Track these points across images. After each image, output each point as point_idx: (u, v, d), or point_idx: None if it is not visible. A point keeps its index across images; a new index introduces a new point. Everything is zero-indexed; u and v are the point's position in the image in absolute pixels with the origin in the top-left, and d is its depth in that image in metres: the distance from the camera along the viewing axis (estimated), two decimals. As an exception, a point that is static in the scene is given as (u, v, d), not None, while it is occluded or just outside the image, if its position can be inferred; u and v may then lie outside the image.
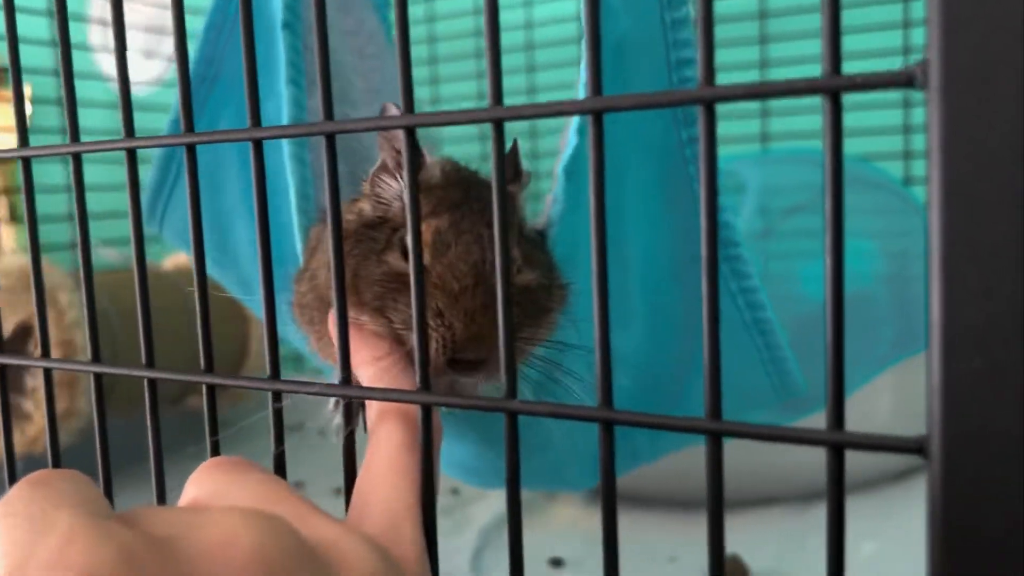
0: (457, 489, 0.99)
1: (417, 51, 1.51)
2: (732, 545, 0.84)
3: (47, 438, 0.46)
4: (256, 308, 0.73)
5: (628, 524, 0.93)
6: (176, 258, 1.27)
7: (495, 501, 0.95)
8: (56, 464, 0.46)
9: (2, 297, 0.94)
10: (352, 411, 0.38)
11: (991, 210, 0.22)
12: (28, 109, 1.35)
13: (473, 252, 0.45)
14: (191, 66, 0.69)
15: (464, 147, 1.36)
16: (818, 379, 0.71)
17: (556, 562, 0.80)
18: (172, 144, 0.39)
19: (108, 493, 0.42)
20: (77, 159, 0.42)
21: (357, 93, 0.68)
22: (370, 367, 0.41)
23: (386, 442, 0.37)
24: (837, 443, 0.28)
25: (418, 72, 1.29)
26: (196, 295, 0.39)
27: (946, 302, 0.23)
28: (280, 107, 0.58)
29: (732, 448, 0.75)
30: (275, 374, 0.38)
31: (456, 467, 0.66)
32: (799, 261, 0.98)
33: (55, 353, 0.94)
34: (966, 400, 0.23)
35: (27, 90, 1.36)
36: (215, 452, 0.39)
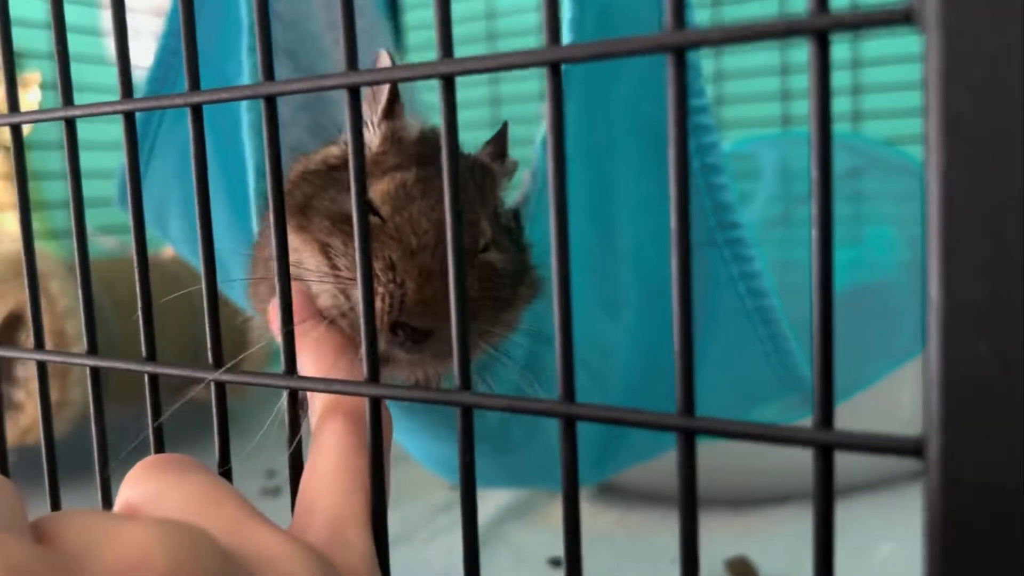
0: (455, 485, 0.95)
1: None
2: (741, 546, 0.81)
3: (41, 431, 0.43)
4: (232, 294, 0.70)
5: (631, 522, 0.89)
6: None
7: (493, 497, 0.92)
8: (50, 456, 0.43)
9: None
10: (296, 403, 0.35)
11: (996, 164, 0.18)
12: (38, 95, 1.32)
13: (438, 210, 0.42)
14: (162, 39, 0.66)
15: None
16: (836, 372, 0.67)
17: (556, 562, 0.76)
18: (175, 105, 0.35)
19: (105, 489, 0.40)
20: (71, 125, 0.38)
21: (333, 67, 0.65)
22: (313, 357, 0.38)
23: (331, 441, 0.33)
24: (825, 443, 0.24)
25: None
26: (204, 286, 0.35)
27: (945, 275, 0.19)
28: (242, 77, 0.55)
29: (739, 444, 0.71)
30: (291, 369, 0.34)
31: (440, 465, 0.63)
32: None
33: (47, 343, 0.91)
34: (969, 393, 0.19)
35: (37, 76, 1.35)
36: (224, 454, 0.36)
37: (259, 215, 0.55)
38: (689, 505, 0.27)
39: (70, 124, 0.38)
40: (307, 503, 0.32)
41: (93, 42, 1.47)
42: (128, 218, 0.73)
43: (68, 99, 0.38)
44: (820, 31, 0.23)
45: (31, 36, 1.20)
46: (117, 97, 0.36)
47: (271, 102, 0.33)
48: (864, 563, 0.72)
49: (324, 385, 0.33)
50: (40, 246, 1.21)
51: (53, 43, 0.39)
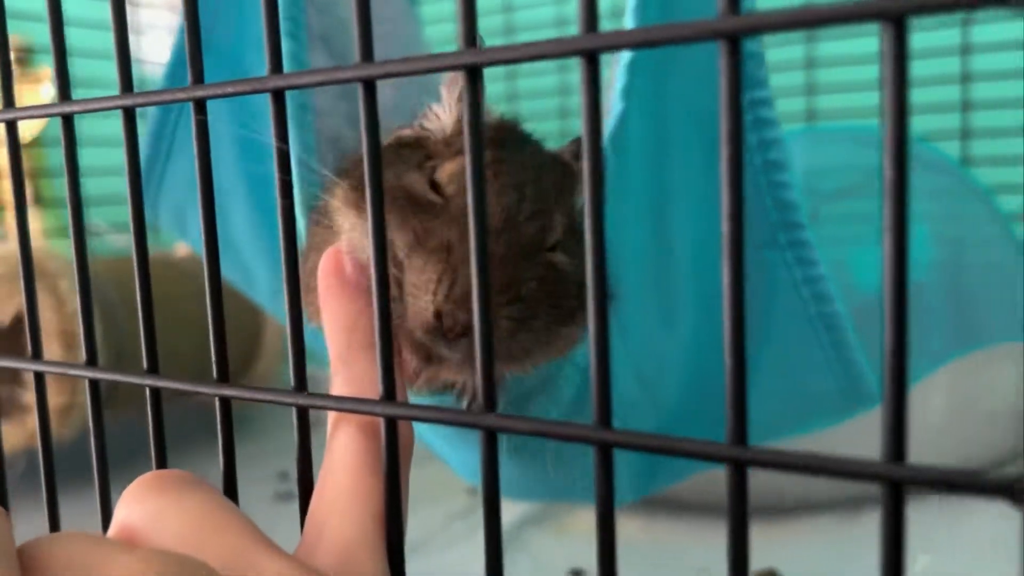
0: (475, 489, 0.93)
1: None
2: (770, 558, 0.78)
3: (39, 443, 0.41)
4: (259, 298, 0.68)
5: (656, 530, 0.86)
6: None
7: (513, 504, 0.89)
8: (49, 467, 0.41)
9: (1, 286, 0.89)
10: (306, 421, 0.32)
11: None
12: (50, 90, 1.30)
13: (509, 195, 0.39)
14: (179, 33, 0.64)
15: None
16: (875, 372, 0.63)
17: (577, 573, 0.73)
18: (177, 100, 0.33)
19: (105, 505, 0.37)
20: (68, 121, 0.36)
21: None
22: (342, 335, 0.35)
23: (344, 458, 0.31)
24: (897, 479, 0.21)
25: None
26: (208, 294, 0.33)
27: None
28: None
29: (795, 443, 0.68)
30: (300, 386, 0.31)
31: (474, 474, 0.60)
32: (849, 248, 0.91)
33: (55, 344, 0.89)
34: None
35: (48, 71, 1.33)
36: (229, 470, 0.34)
37: (305, 209, 0.52)
38: (740, 542, 0.24)
39: (67, 120, 0.36)
40: (316, 525, 0.30)
41: (108, 37, 1.45)
42: (151, 218, 0.71)
43: (65, 95, 0.36)
44: (897, 15, 0.20)
45: (43, 31, 1.18)
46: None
47: (279, 96, 0.30)
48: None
49: (336, 403, 0.30)
50: (51, 245, 1.19)
51: (50, 37, 0.36)
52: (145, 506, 0.29)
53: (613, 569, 0.26)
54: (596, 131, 0.24)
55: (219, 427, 0.33)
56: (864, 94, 1.14)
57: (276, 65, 0.30)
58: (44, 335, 0.92)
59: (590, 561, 0.77)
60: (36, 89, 1.34)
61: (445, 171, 0.40)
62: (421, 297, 0.36)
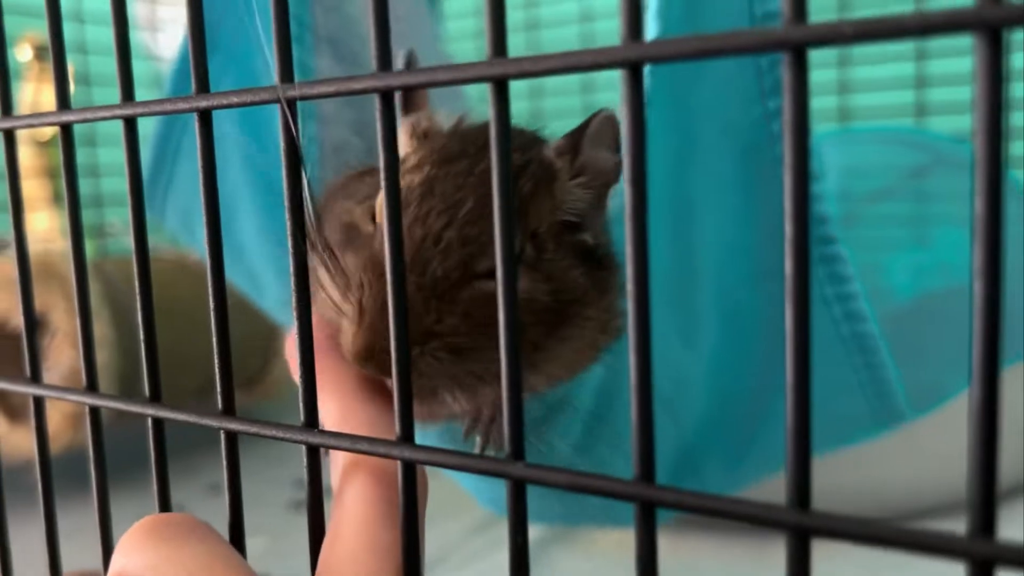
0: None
1: None
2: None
3: (37, 464, 0.39)
4: (267, 307, 0.66)
5: (682, 549, 0.84)
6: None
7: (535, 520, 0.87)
8: (46, 484, 0.39)
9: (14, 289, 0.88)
10: (317, 460, 0.30)
11: None
12: (70, 88, 1.30)
13: (430, 223, 0.35)
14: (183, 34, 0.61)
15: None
16: (910, 382, 0.60)
17: (603, 591, 0.71)
18: (179, 110, 0.31)
19: (105, 532, 0.36)
20: (67, 130, 0.34)
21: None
22: (334, 399, 0.33)
23: (356, 509, 0.28)
24: (985, 558, 0.19)
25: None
26: (212, 316, 0.31)
27: None
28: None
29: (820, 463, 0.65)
30: (311, 423, 0.29)
31: (486, 498, 0.58)
32: (886, 251, 0.88)
33: (68, 347, 0.87)
34: None
35: (69, 69, 1.32)
36: (235, 505, 0.31)
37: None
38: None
39: (66, 129, 0.34)
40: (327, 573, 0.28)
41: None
42: (159, 220, 0.69)
43: (64, 103, 0.34)
44: (994, 25, 0.17)
45: (64, 28, 1.16)
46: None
47: (290, 106, 0.28)
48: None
49: (349, 443, 0.28)
50: (64, 247, 1.18)
51: (50, 47, 0.34)
52: (143, 557, 0.27)
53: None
54: (640, 149, 0.22)
55: (224, 460, 0.31)
56: (899, 92, 1.10)
57: (287, 74, 0.27)
58: (58, 337, 0.90)
59: (616, 577, 0.75)
60: (56, 88, 1.33)
61: (379, 200, 0.36)
62: (347, 332, 0.34)
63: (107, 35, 0.33)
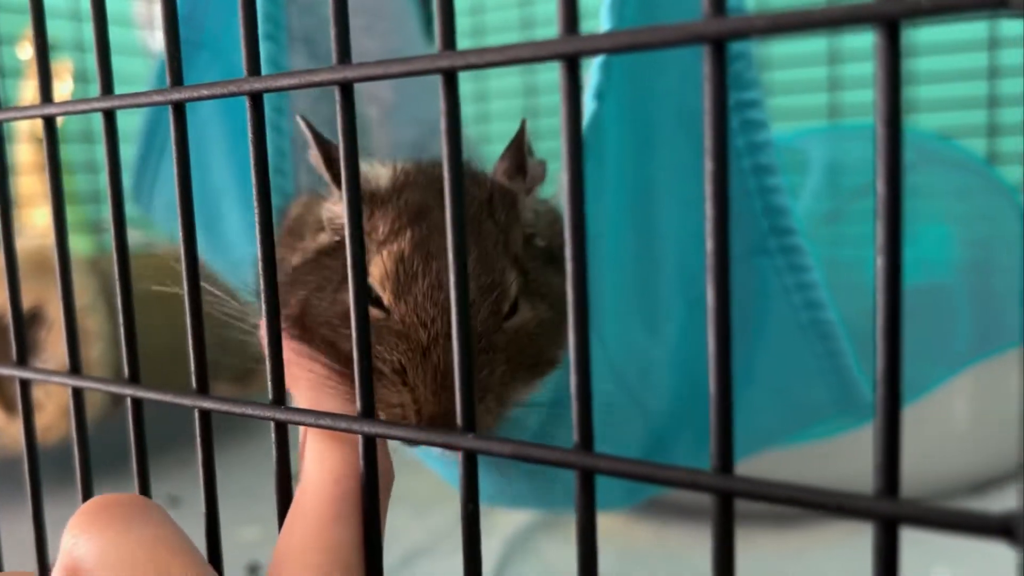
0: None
1: None
2: (784, 565, 0.76)
3: (25, 450, 0.40)
4: (251, 299, 0.67)
5: (668, 538, 0.85)
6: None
7: (523, 510, 0.88)
8: (34, 471, 0.40)
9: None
10: (284, 436, 0.31)
11: None
12: (70, 85, 1.29)
13: (448, 283, 0.36)
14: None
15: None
16: None
17: (587, 579, 0.72)
18: (154, 103, 0.32)
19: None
20: (50, 123, 0.35)
21: (368, 56, 0.61)
22: (308, 391, 0.34)
23: (314, 501, 0.29)
24: (890, 517, 0.20)
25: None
26: (186, 300, 0.32)
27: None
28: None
29: (789, 454, 0.66)
30: (278, 400, 0.30)
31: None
32: (870, 247, 0.88)
33: (62, 340, 0.89)
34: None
35: (68, 65, 1.33)
36: (209, 484, 0.32)
37: (278, 218, 0.51)
38: (726, 572, 0.23)
39: (48, 122, 0.35)
40: (280, 560, 0.29)
41: (125, 33, 1.46)
42: (145, 213, 0.71)
43: (47, 96, 0.35)
44: (890, 18, 0.19)
45: (64, 26, 1.18)
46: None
47: (256, 100, 0.29)
48: (916, 588, 0.68)
49: (314, 419, 0.29)
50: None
51: (32, 34, 0.35)
52: (89, 541, 0.28)
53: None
54: (576, 139, 0.23)
55: (198, 439, 0.32)
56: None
57: (254, 67, 0.29)
58: (53, 331, 0.92)
59: (602, 567, 0.76)
60: (56, 85, 1.34)
61: (375, 275, 0.37)
62: (409, 411, 0.35)
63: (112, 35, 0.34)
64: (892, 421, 0.20)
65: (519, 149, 0.41)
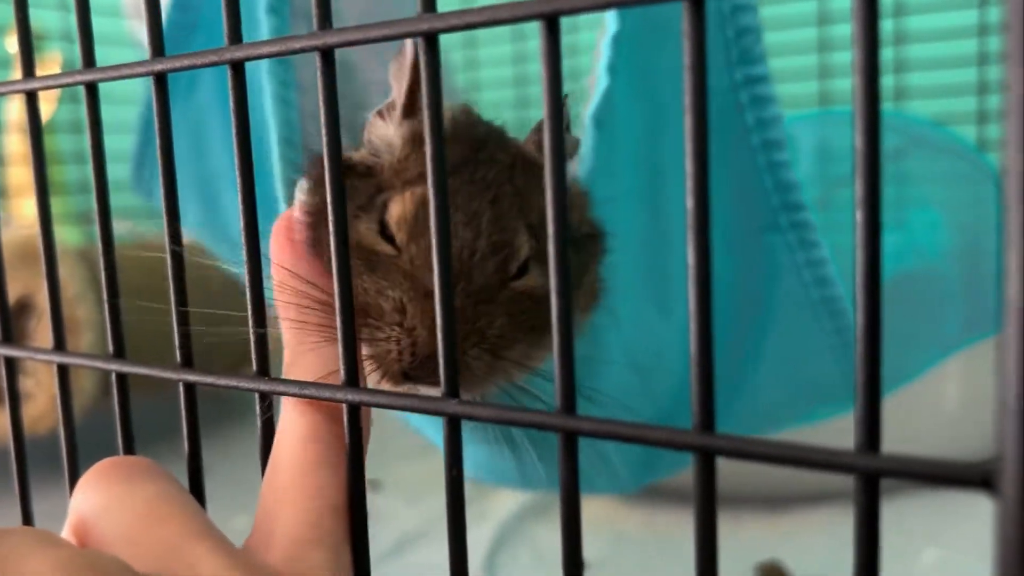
0: (475, 481, 0.92)
1: None
2: (776, 549, 0.76)
3: (10, 431, 0.40)
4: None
5: (658, 523, 0.85)
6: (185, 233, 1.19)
7: (515, 495, 0.88)
8: (20, 457, 0.40)
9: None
10: (269, 406, 0.31)
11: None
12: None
13: (461, 235, 0.36)
14: (169, 7, 0.62)
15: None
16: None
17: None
18: (136, 74, 0.32)
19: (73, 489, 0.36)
20: (32, 97, 0.35)
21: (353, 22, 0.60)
22: (292, 320, 0.33)
23: (292, 446, 0.29)
24: (871, 470, 0.20)
25: None
26: (170, 275, 0.32)
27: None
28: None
29: (802, 434, 0.66)
30: (262, 371, 0.30)
31: (470, 467, 0.59)
32: (860, 234, 0.89)
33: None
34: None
35: (57, 56, 1.33)
36: (194, 456, 0.33)
37: (285, 186, 0.50)
38: (707, 532, 0.23)
39: (31, 97, 0.35)
40: (268, 517, 0.29)
41: (115, 23, 1.45)
42: (147, 201, 0.70)
43: (29, 71, 0.35)
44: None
45: (55, 16, 1.18)
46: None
47: (238, 68, 0.29)
48: (908, 569, 0.68)
49: (297, 388, 0.29)
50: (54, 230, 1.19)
51: (14, 15, 0.35)
52: (95, 498, 0.28)
53: (578, 555, 0.25)
54: (557, 101, 0.23)
55: (183, 411, 0.32)
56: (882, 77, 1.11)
57: (235, 36, 0.29)
58: (43, 320, 0.92)
59: (595, 551, 0.76)
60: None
61: (393, 215, 0.37)
62: (386, 359, 0.35)
63: (96, 23, 0.34)
64: (872, 377, 0.20)
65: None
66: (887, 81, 1.12)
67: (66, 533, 0.29)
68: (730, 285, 0.52)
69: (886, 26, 1.12)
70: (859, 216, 0.20)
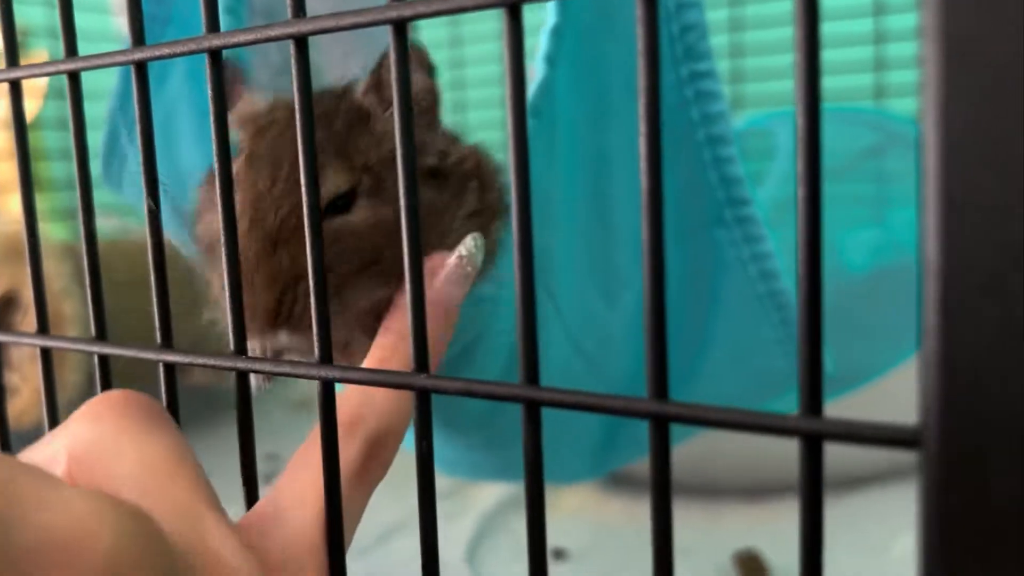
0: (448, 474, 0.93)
1: None
2: (752, 538, 0.77)
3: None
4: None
5: (638, 511, 0.86)
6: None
7: (494, 487, 0.89)
8: (5, 442, 0.41)
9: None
10: (247, 384, 0.32)
11: (1005, 96, 0.15)
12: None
13: (260, 182, 0.38)
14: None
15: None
16: (854, 356, 0.62)
17: (559, 553, 0.73)
18: (117, 63, 0.33)
19: None
20: (16, 87, 0.36)
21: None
22: None
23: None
24: (813, 433, 0.21)
25: None
26: (150, 262, 0.33)
27: (945, 225, 0.16)
28: None
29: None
30: (240, 350, 0.31)
31: (446, 466, 0.60)
32: (838, 229, 0.90)
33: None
34: (972, 369, 0.16)
35: (44, 54, 1.33)
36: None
37: None
38: (662, 503, 0.24)
39: (15, 86, 0.36)
40: (280, 507, 0.30)
41: (101, 20, 1.45)
42: (117, 193, 0.71)
43: (13, 60, 0.36)
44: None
45: (41, 13, 1.18)
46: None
47: (216, 56, 0.30)
48: (880, 559, 0.69)
49: (273, 367, 0.30)
50: (42, 228, 1.20)
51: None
52: (101, 436, 0.27)
53: (542, 531, 0.26)
54: (520, 89, 0.24)
55: (163, 392, 0.33)
56: (857, 76, 1.13)
57: (212, 24, 0.30)
58: (29, 315, 0.92)
59: (573, 541, 0.77)
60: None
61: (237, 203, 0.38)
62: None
63: (82, 19, 0.35)
64: (814, 344, 0.21)
65: (380, 66, 0.41)
66: (867, 79, 1.13)
67: (53, 454, 0.27)
68: (679, 278, 0.53)
69: (866, 25, 1.14)
70: (800, 192, 0.21)
